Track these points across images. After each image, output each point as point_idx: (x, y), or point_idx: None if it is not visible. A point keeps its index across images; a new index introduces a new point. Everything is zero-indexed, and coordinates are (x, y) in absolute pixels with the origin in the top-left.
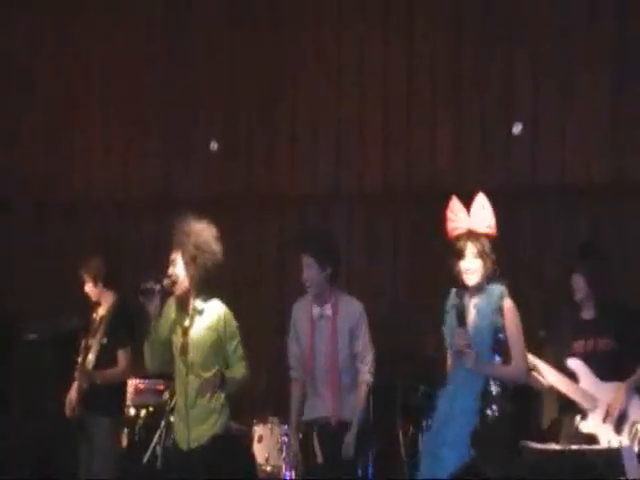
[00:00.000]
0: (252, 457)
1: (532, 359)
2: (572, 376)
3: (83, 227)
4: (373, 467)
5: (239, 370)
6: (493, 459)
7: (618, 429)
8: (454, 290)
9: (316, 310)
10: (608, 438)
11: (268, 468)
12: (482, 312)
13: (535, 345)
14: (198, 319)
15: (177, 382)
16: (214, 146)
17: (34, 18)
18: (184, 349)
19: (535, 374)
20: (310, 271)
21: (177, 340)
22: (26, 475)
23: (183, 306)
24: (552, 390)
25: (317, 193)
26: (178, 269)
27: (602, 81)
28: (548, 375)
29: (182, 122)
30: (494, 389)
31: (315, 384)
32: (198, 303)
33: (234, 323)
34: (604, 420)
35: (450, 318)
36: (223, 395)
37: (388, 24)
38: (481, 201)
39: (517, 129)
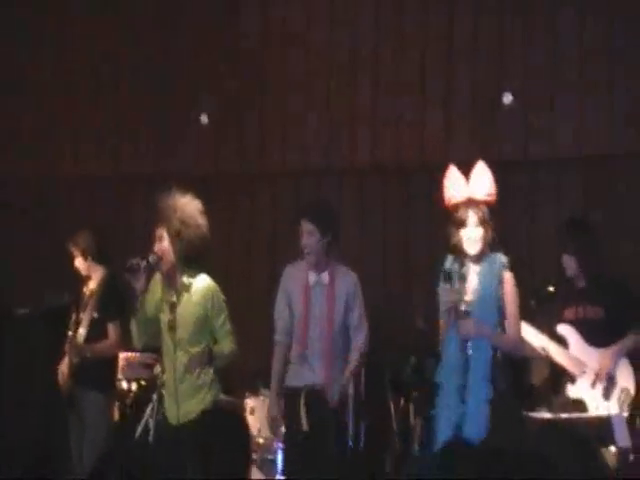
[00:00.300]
0: (247, 429)
1: (522, 324)
2: (562, 342)
3: (75, 205)
4: (364, 440)
5: (227, 345)
6: (509, 431)
7: (607, 394)
8: (451, 256)
9: (312, 277)
10: (596, 403)
11: (260, 440)
12: (485, 279)
13: (526, 314)
14: (185, 295)
15: (165, 358)
16: (204, 119)
17: (32, 18)
18: (172, 325)
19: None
20: (310, 237)
21: (164, 316)
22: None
23: (170, 282)
24: (541, 355)
25: (309, 169)
26: (164, 244)
27: (595, 50)
28: (537, 340)
29: (173, 101)
30: (500, 356)
31: (305, 352)
32: (185, 278)
33: (221, 298)
34: (593, 385)
35: (447, 288)
36: (212, 370)
37: (378, 2)
38: (481, 169)
39: (507, 99)
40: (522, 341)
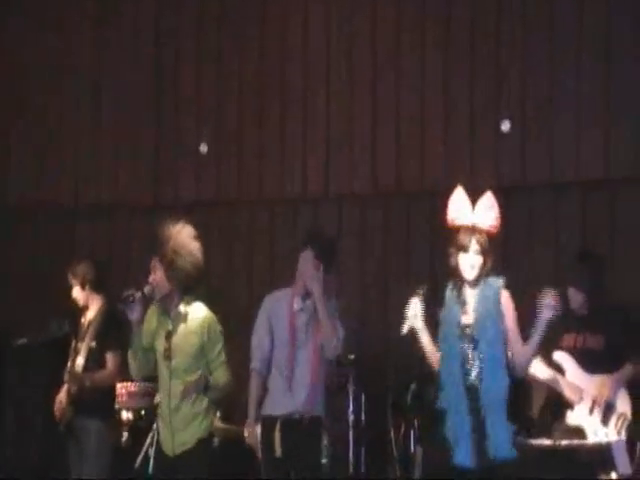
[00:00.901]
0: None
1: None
2: (559, 369)
3: (73, 233)
4: (365, 466)
5: (222, 376)
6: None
7: (605, 420)
8: (451, 283)
9: (298, 303)
10: (594, 429)
11: None
12: (483, 300)
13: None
14: (182, 324)
15: (160, 387)
16: (204, 149)
17: (30, 37)
18: (167, 354)
19: None
20: (306, 264)
21: (160, 345)
22: None
23: (166, 311)
24: (540, 381)
25: (307, 196)
26: (158, 275)
27: (590, 77)
28: (534, 366)
29: (172, 126)
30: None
31: (290, 378)
32: (181, 307)
33: (218, 328)
34: (591, 411)
35: (448, 311)
36: (206, 399)
37: (375, 21)
38: (489, 199)
39: (505, 127)
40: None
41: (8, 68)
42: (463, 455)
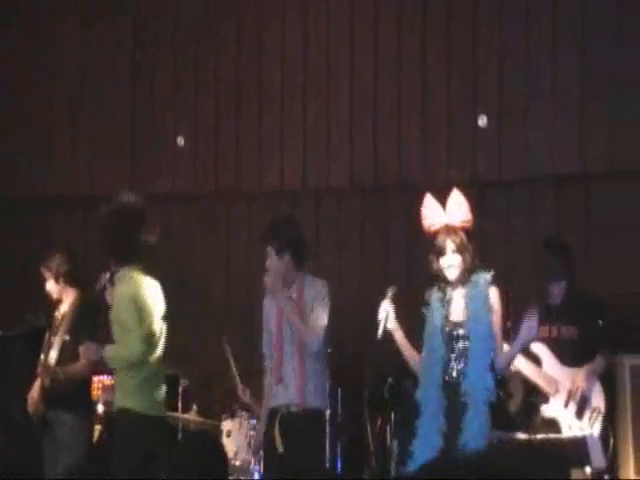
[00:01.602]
0: (223, 452)
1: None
2: (536, 360)
3: (52, 225)
4: (341, 460)
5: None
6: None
7: (579, 413)
8: (436, 285)
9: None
10: (569, 423)
11: (237, 462)
12: (472, 298)
13: (503, 335)
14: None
15: None
16: (181, 142)
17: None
18: None
19: None
20: (270, 259)
21: None
22: None
23: None
24: (517, 374)
25: (284, 189)
26: None
27: (568, 70)
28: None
29: (148, 119)
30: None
31: (281, 370)
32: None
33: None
34: (566, 405)
35: (432, 311)
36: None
37: (354, 18)
38: (456, 196)
39: (482, 121)
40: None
41: None
42: (429, 453)
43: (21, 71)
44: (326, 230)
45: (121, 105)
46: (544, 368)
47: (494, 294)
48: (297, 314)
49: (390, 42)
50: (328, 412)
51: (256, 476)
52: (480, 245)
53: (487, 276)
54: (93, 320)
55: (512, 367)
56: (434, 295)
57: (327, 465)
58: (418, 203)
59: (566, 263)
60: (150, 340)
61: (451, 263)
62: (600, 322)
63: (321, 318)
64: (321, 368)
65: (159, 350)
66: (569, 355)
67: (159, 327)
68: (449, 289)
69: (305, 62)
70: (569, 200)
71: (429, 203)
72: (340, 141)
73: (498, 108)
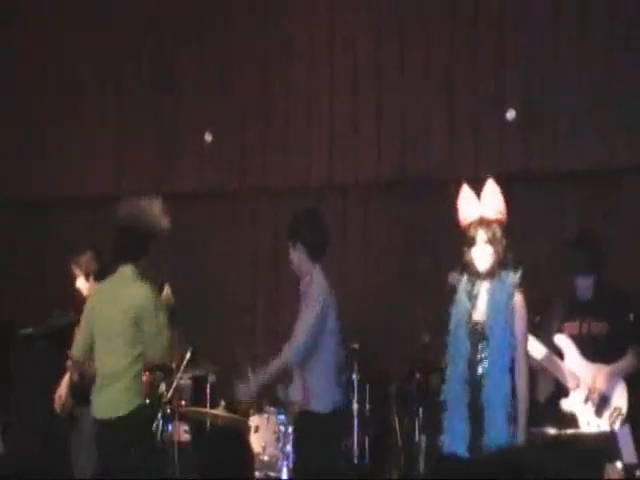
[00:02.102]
0: (248, 446)
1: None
2: (559, 353)
3: (76, 223)
4: (369, 455)
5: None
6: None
7: (599, 412)
8: (465, 276)
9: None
10: (587, 419)
11: (265, 458)
12: (495, 297)
13: (530, 330)
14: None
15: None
16: (209, 137)
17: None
18: None
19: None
20: (289, 252)
21: None
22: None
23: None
24: (539, 367)
25: (311, 185)
26: None
27: (593, 67)
28: (534, 350)
29: (175, 115)
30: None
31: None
32: None
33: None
34: (586, 400)
35: (458, 303)
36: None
37: (379, 18)
38: (491, 187)
39: (510, 115)
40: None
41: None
42: (457, 444)
43: (45, 72)
44: (352, 226)
45: (146, 103)
46: (566, 362)
47: (519, 299)
48: (268, 371)
49: (416, 39)
50: (355, 407)
51: (284, 471)
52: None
53: (515, 276)
54: None
55: (534, 360)
56: (462, 285)
57: (336, 463)
58: (445, 198)
59: (594, 257)
60: None
61: (482, 253)
62: (631, 317)
63: (304, 322)
64: (325, 367)
65: None
66: (599, 351)
67: None
68: (478, 282)
69: (332, 58)
70: (597, 195)
71: (465, 195)
72: (367, 137)
73: (525, 103)
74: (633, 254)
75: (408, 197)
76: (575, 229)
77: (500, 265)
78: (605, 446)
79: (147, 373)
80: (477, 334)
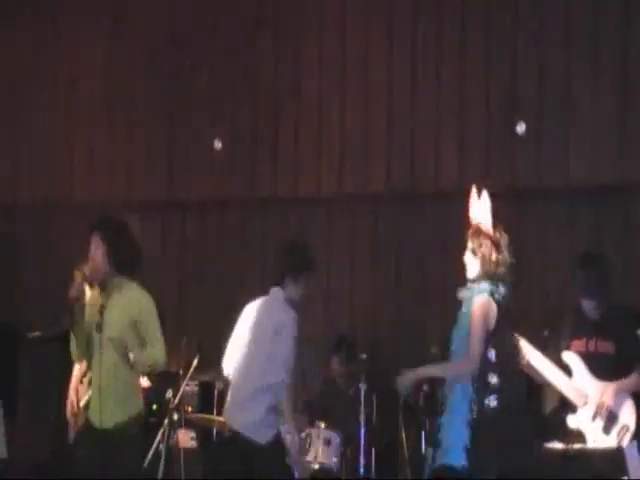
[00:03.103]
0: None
1: (528, 350)
2: (567, 370)
3: (84, 229)
4: (376, 466)
5: (154, 353)
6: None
7: (606, 429)
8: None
9: None
10: (595, 437)
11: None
12: (462, 316)
13: (538, 343)
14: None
15: (93, 362)
16: (218, 145)
17: (34, 20)
18: (99, 327)
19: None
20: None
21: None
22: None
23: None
24: (545, 382)
25: (321, 196)
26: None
27: (607, 81)
28: (541, 367)
29: (185, 123)
30: (494, 380)
31: None
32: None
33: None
34: (593, 418)
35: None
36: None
37: (391, 29)
38: (485, 200)
39: (521, 129)
40: (474, 364)
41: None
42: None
43: (55, 76)
44: (361, 237)
45: (157, 110)
46: (574, 379)
47: (477, 299)
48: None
49: (428, 50)
50: (362, 418)
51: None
52: (516, 254)
53: (486, 285)
54: None
55: (541, 376)
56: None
57: None
58: (454, 212)
59: (598, 279)
60: None
61: (466, 261)
62: (639, 334)
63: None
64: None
65: None
66: (606, 370)
67: None
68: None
69: (343, 70)
70: (609, 210)
71: (475, 197)
72: (377, 148)
73: (536, 116)
74: None
75: (418, 210)
76: (583, 248)
77: (483, 277)
78: (612, 463)
79: (150, 379)
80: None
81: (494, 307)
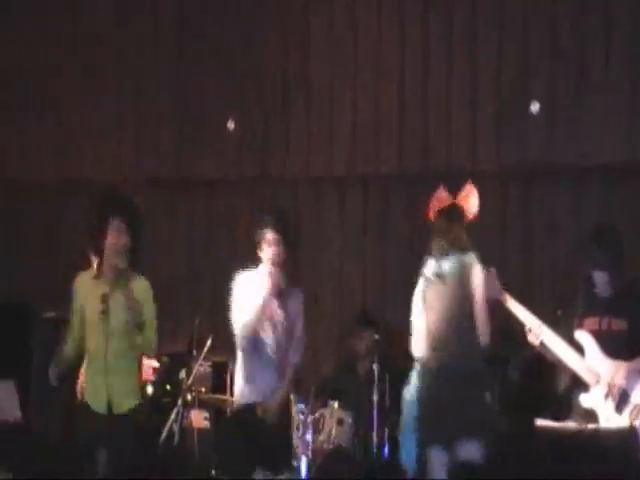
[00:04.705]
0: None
1: (540, 328)
2: (579, 349)
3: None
4: (389, 447)
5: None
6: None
7: (619, 408)
8: (429, 258)
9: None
10: (607, 416)
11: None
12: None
13: (551, 323)
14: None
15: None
16: (231, 125)
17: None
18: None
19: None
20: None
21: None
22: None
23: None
24: (561, 362)
25: (332, 175)
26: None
27: (619, 62)
28: (554, 346)
29: (197, 104)
30: None
31: None
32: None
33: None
34: (606, 397)
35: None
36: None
37: (402, 10)
38: (469, 190)
39: (535, 108)
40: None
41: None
42: None
43: (64, 56)
44: (372, 217)
45: (167, 89)
46: (586, 358)
47: (478, 269)
48: None
49: (440, 31)
50: (375, 399)
51: (304, 460)
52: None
53: (472, 255)
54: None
55: (554, 354)
56: (428, 270)
57: None
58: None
59: (611, 252)
60: None
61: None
62: None
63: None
64: None
65: None
66: (619, 349)
67: None
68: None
69: (355, 49)
70: (619, 189)
71: (441, 195)
72: (389, 128)
73: (549, 97)
74: None
75: (429, 189)
76: (595, 223)
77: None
78: (625, 442)
79: (162, 360)
80: None
81: None
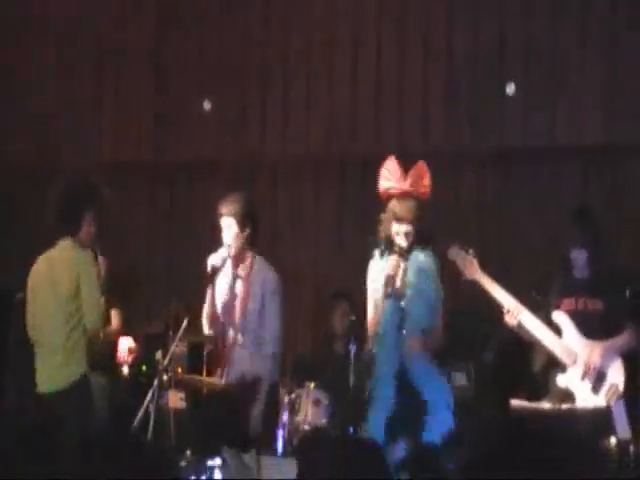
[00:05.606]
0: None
1: (518, 309)
2: (557, 330)
3: None
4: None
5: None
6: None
7: (595, 389)
8: (378, 251)
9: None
10: (584, 396)
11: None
12: (417, 274)
13: (526, 303)
14: None
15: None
16: (207, 106)
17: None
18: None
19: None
20: (230, 231)
21: None
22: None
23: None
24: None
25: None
26: None
27: (594, 43)
28: (530, 326)
29: (174, 84)
30: None
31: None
32: None
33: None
34: (583, 377)
35: (377, 280)
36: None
37: None
38: (420, 168)
39: (510, 89)
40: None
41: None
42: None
43: (42, 39)
44: (350, 197)
45: (144, 71)
46: (563, 338)
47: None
48: None
49: (417, 12)
50: None
51: (279, 440)
52: (503, 215)
53: (428, 252)
54: (124, 285)
55: (531, 335)
56: (377, 263)
57: None
58: (442, 172)
59: (588, 231)
60: None
61: (405, 230)
62: (627, 293)
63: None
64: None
65: None
66: (595, 328)
67: None
68: (393, 258)
69: (332, 28)
70: (596, 170)
71: (390, 166)
72: (365, 109)
73: (524, 79)
74: (634, 230)
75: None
76: (569, 210)
77: (416, 243)
78: (601, 421)
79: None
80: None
81: None
